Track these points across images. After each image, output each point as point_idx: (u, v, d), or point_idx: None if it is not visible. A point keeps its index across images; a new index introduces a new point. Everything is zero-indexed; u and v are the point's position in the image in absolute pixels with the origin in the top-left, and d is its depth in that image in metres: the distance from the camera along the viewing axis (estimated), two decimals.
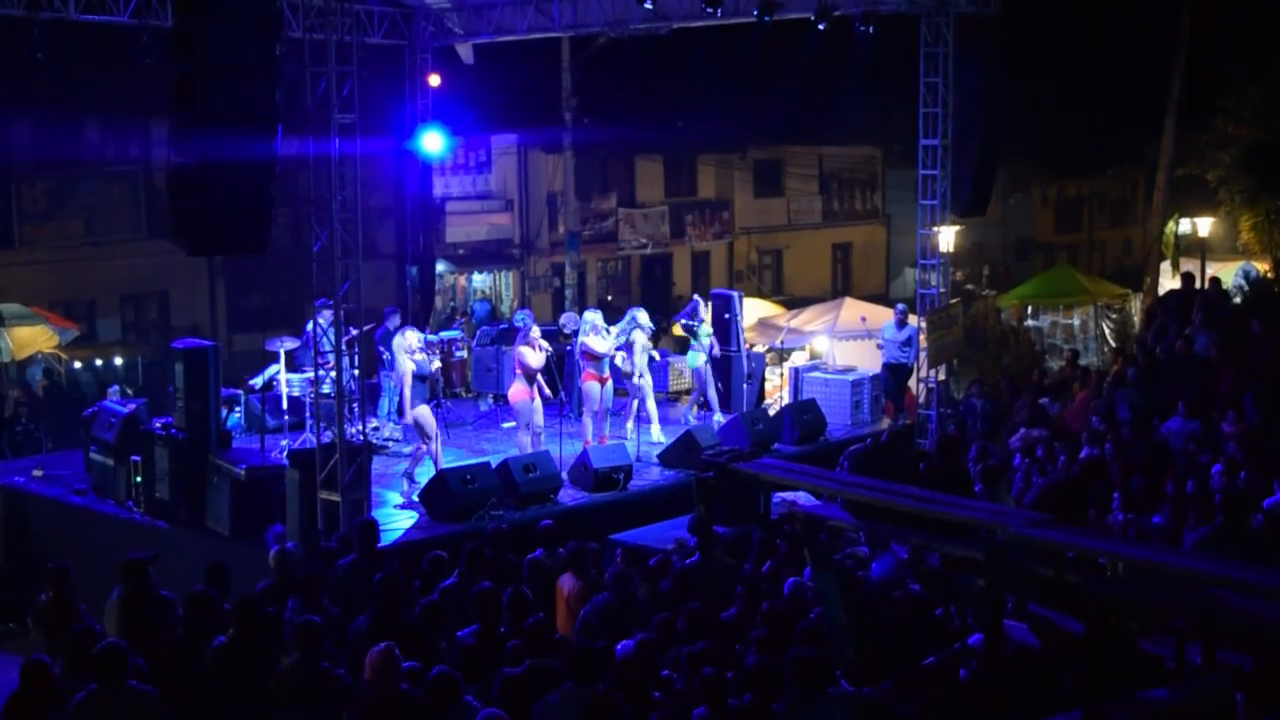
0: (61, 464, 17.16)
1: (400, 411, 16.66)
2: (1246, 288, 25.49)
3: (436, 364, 16.61)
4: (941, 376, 19.53)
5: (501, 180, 33.77)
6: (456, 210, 32.55)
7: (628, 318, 17.59)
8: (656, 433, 17.68)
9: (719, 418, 18.40)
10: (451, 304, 31.65)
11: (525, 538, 12.25)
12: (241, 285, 29.63)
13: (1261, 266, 28.31)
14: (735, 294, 20.16)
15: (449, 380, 19.43)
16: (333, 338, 13.77)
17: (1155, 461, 15.09)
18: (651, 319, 18.00)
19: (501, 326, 21.00)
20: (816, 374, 19.85)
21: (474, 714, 7.51)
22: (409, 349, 15.55)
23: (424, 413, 15.54)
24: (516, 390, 16.23)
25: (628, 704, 7.76)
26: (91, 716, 7.76)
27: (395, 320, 17.98)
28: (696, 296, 19.90)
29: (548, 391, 16.66)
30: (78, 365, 24.97)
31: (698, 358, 18.63)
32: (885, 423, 19.26)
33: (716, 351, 18.70)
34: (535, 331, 16.27)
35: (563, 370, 18.39)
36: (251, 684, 8.48)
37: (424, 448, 15.60)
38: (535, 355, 16.08)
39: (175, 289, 28.84)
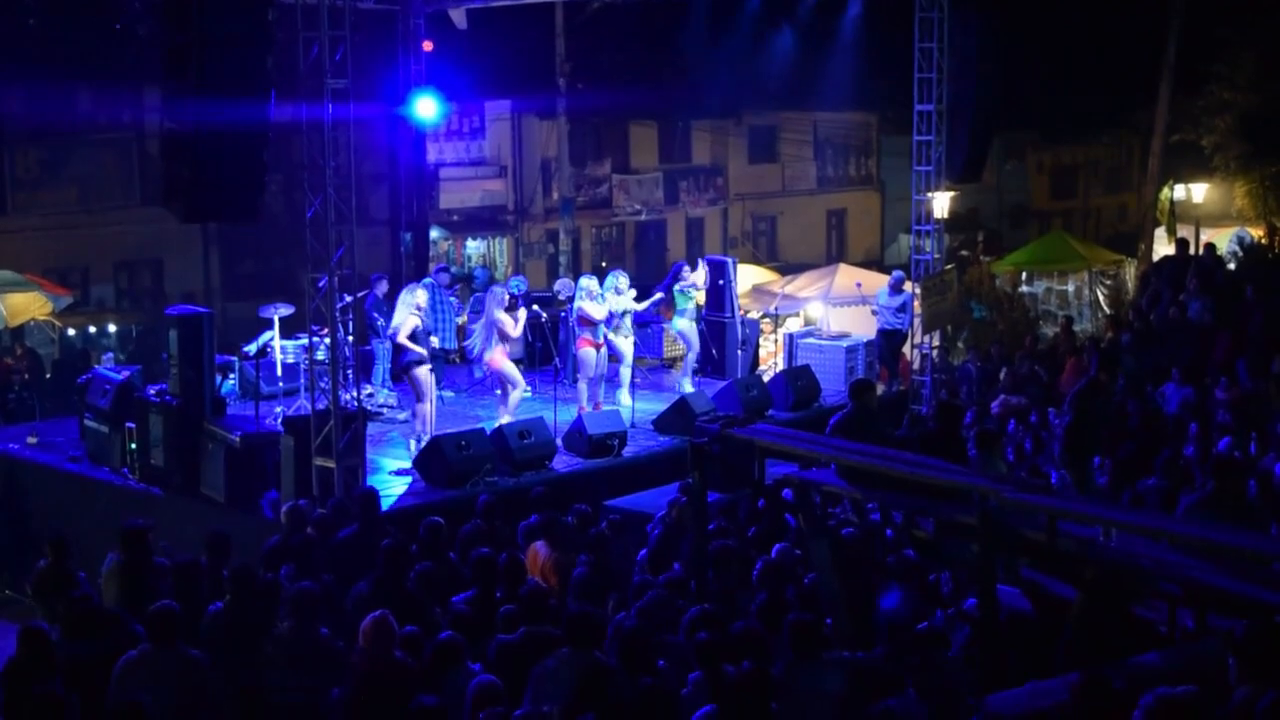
0: (56, 431, 17.12)
1: (394, 376, 16.67)
2: (1241, 253, 25.58)
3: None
4: (936, 343, 19.55)
5: (495, 146, 33.71)
6: (450, 176, 32.52)
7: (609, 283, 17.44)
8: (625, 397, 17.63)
9: (687, 385, 18.26)
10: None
11: (520, 504, 12.27)
12: (235, 252, 29.60)
13: (1256, 232, 28.37)
14: (730, 260, 20.12)
15: None
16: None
17: (1149, 427, 15.14)
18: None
19: None
20: (811, 340, 19.86)
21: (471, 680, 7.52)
22: (416, 305, 15.47)
23: (422, 372, 15.51)
24: (498, 357, 16.08)
25: (624, 670, 7.78)
26: (142, 676, 7.90)
27: (384, 286, 17.89)
28: (681, 261, 19.75)
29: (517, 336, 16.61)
30: (71, 332, 24.96)
31: (680, 322, 18.54)
32: (880, 389, 19.26)
33: (690, 317, 18.45)
34: (506, 299, 16.19)
35: (557, 336, 18.38)
36: (248, 650, 8.52)
37: (420, 406, 15.55)
38: (514, 326, 16.01)
39: (169, 256, 28.80)
